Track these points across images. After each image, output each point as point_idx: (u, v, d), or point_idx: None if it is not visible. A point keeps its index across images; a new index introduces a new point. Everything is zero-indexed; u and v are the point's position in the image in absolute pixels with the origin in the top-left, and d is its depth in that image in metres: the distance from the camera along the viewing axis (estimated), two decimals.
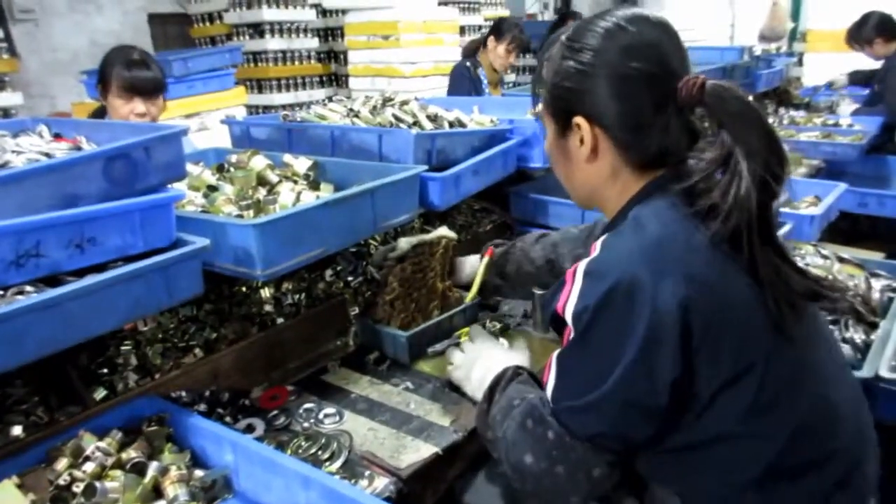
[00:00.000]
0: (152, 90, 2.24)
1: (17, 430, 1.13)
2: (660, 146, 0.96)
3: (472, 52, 4.03)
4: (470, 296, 1.67)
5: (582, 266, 0.90)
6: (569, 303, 0.90)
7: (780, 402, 0.88)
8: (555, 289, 0.96)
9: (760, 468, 0.88)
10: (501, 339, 1.48)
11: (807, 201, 2.45)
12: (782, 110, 3.97)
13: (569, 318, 0.90)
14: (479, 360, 1.27)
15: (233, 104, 4.04)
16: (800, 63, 6.01)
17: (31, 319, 0.96)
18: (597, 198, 1.06)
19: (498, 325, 1.58)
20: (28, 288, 1.02)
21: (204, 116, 3.77)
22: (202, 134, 3.55)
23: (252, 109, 4.87)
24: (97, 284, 1.02)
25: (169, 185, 1.24)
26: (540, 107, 1.08)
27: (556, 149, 1.07)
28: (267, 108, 5.00)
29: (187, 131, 1.26)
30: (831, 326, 1.30)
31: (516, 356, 1.26)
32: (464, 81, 3.77)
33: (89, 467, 1.02)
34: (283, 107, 4.87)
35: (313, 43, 5.24)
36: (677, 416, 0.88)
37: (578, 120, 0.98)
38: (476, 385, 1.24)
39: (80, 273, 1.07)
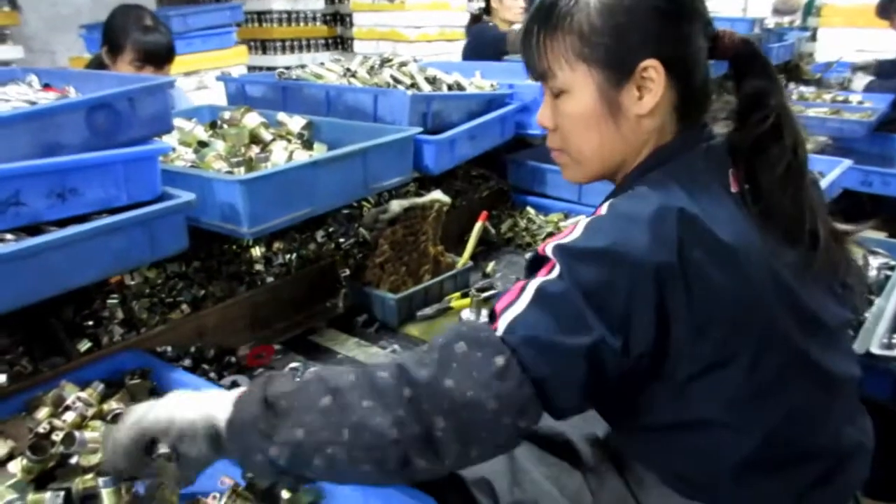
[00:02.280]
0: (165, 58, 2.19)
1: (0, 379, 1.13)
2: (707, 95, 0.93)
3: (477, 20, 3.91)
4: (462, 260, 1.66)
5: (584, 220, 0.84)
6: (557, 242, 0.80)
7: (766, 396, 0.85)
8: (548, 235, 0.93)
9: (737, 458, 0.85)
10: None
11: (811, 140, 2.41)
12: (792, 85, 3.90)
13: (550, 251, 0.80)
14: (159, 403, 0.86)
15: (233, 63, 3.98)
16: (813, 38, 5.89)
17: (10, 268, 0.95)
18: (623, 161, 0.94)
19: (482, 295, 1.54)
20: (8, 236, 1.00)
21: (203, 75, 3.72)
22: (201, 93, 3.51)
23: (255, 71, 4.81)
24: (77, 235, 1.01)
25: (155, 139, 1.22)
26: (546, 63, 0.93)
27: (601, 106, 0.90)
28: (271, 70, 4.92)
29: (173, 83, 1.24)
30: None
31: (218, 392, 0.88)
32: (485, 40, 3.46)
33: (69, 417, 1.01)
34: (287, 69, 4.80)
35: (319, 4, 5.16)
36: (649, 399, 0.86)
37: (650, 63, 0.86)
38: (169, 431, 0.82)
39: (63, 224, 1.06)
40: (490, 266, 1.77)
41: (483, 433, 0.76)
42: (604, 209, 0.86)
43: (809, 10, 6.29)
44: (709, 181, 0.88)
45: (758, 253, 0.84)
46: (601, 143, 0.93)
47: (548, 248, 0.82)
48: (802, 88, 3.84)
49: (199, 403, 0.83)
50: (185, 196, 1.15)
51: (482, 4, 4.15)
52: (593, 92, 0.91)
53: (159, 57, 2.14)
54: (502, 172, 2.20)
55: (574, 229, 0.84)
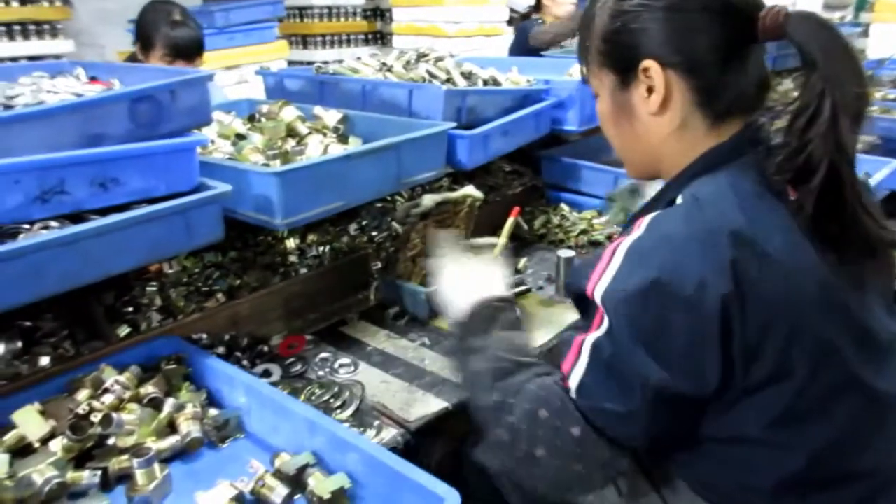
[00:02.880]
0: (196, 52, 2.22)
1: (44, 361, 1.17)
2: (737, 89, 0.86)
3: (526, 17, 3.89)
4: (493, 255, 1.65)
5: (624, 245, 0.81)
6: (600, 283, 0.81)
7: (813, 416, 0.80)
8: (586, 263, 0.87)
9: (778, 478, 0.82)
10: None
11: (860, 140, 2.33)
12: None
13: (599, 298, 0.81)
14: (447, 272, 1.08)
15: (273, 58, 4.04)
16: (865, 34, 5.70)
17: (54, 254, 0.99)
18: (659, 161, 0.93)
19: (513, 291, 1.50)
20: (52, 223, 1.04)
21: (244, 69, 3.78)
22: (241, 87, 3.57)
23: (296, 65, 4.87)
24: (117, 223, 1.04)
25: (194, 131, 1.25)
26: (585, 68, 0.97)
27: (615, 107, 0.94)
28: (311, 65, 4.99)
29: (213, 76, 1.27)
30: None
31: (490, 272, 1.07)
32: (528, 36, 3.49)
33: (108, 399, 1.05)
34: (325, 63, 4.86)
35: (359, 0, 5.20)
36: (700, 415, 0.83)
37: (647, 63, 0.87)
38: (444, 302, 1.05)
39: (104, 213, 1.10)
40: (522, 262, 1.77)
41: (584, 484, 0.88)
42: (644, 224, 0.82)
43: (862, 5, 6.09)
44: (762, 189, 0.83)
45: (811, 267, 0.80)
46: (625, 142, 0.96)
47: (596, 293, 0.82)
48: None
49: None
50: (222, 187, 1.18)
51: (532, 2, 4.13)
52: (610, 92, 0.94)
53: (189, 51, 2.18)
54: (536, 168, 2.19)
55: (614, 256, 0.81)
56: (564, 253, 1.64)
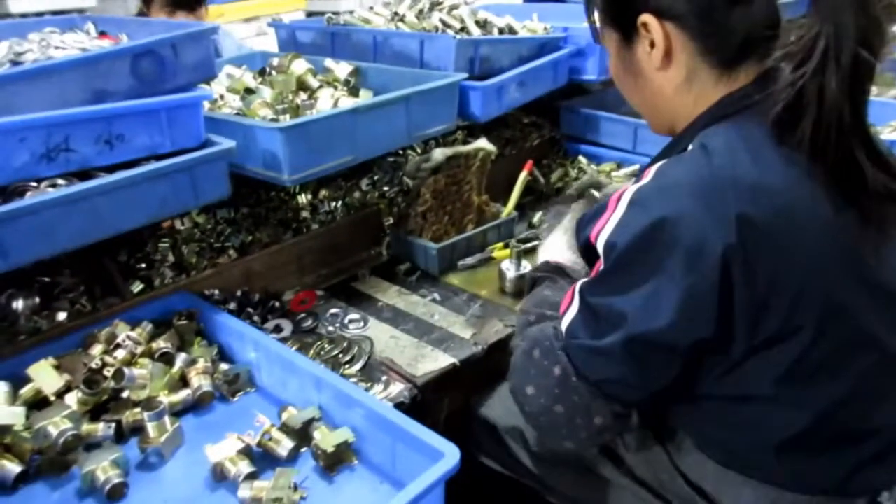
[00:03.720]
0: (196, 1, 2.20)
1: (61, 316, 1.20)
2: (744, 34, 0.82)
3: None
4: (506, 210, 1.64)
5: (629, 193, 0.80)
6: (604, 230, 0.80)
7: (823, 374, 0.79)
8: (593, 212, 0.86)
9: (784, 435, 0.81)
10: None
11: (892, 126, 2.23)
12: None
13: (600, 246, 0.80)
14: (543, 237, 1.24)
15: (291, 9, 3.98)
16: None
17: (61, 212, 1.00)
18: (674, 115, 0.91)
19: (523, 247, 1.48)
20: (60, 181, 1.05)
21: (263, 21, 3.73)
22: (260, 39, 3.53)
23: (317, 16, 4.79)
24: (123, 181, 1.04)
25: (200, 86, 1.24)
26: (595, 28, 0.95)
27: (623, 66, 0.92)
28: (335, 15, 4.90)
29: (217, 29, 1.25)
30: None
31: (568, 243, 1.14)
32: None
33: (120, 354, 1.07)
34: (336, 13, 4.76)
35: None
36: (699, 370, 0.82)
37: (645, 18, 0.84)
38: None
39: (111, 170, 1.10)
40: (537, 216, 1.74)
41: (564, 430, 0.87)
42: (651, 172, 0.80)
43: None
44: (775, 138, 0.78)
45: (824, 220, 0.76)
46: (639, 99, 0.94)
47: (599, 240, 0.81)
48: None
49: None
50: (227, 143, 1.17)
51: None
52: (616, 50, 0.92)
53: (188, 2, 2.15)
54: (555, 120, 2.13)
55: (619, 204, 0.80)
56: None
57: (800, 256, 0.75)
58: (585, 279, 0.86)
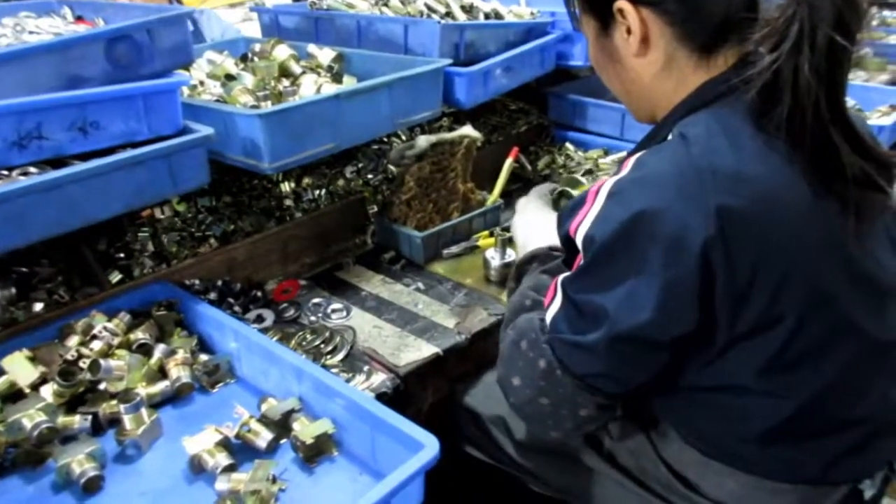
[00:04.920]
0: None
1: (38, 307, 1.18)
2: (721, 17, 0.80)
3: None
4: (492, 198, 1.62)
5: (608, 185, 0.78)
6: (582, 224, 0.79)
7: (805, 363, 0.78)
8: (572, 205, 0.85)
9: (767, 425, 0.81)
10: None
11: (881, 111, 2.23)
12: (874, 9, 3.57)
13: (579, 240, 0.79)
14: (523, 225, 1.21)
15: None
16: None
17: (32, 201, 0.98)
18: (652, 105, 0.89)
19: (507, 234, 1.45)
20: (32, 169, 1.03)
21: (248, 6, 3.67)
22: (247, 25, 3.48)
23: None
24: (97, 168, 1.02)
25: (177, 72, 1.22)
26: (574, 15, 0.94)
27: (601, 53, 0.90)
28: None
29: (192, 13, 1.22)
30: None
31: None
32: None
33: (97, 345, 1.06)
34: None
35: None
36: (682, 361, 0.81)
37: (621, 4, 0.82)
38: (520, 252, 1.17)
39: (88, 158, 1.08)
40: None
41: (549, 421, 0.88)
42: (630, 164, 0.79)
43: None
44: (755, 125, 0.77)
45: (806, 209, 0.75)
46: (619, 87, 0.93)
47: (578, 234, 0.80)
48: (886, 13, 3.52)
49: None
50: (205, 130, 1.15)
51: None
52: (594, 37, 0.90)
53: None
54: (543, 106, 2.11)
55: (598, 196, 0.79)
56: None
57: (781, 245, 0.74)
58: (567, 273, 0.84)
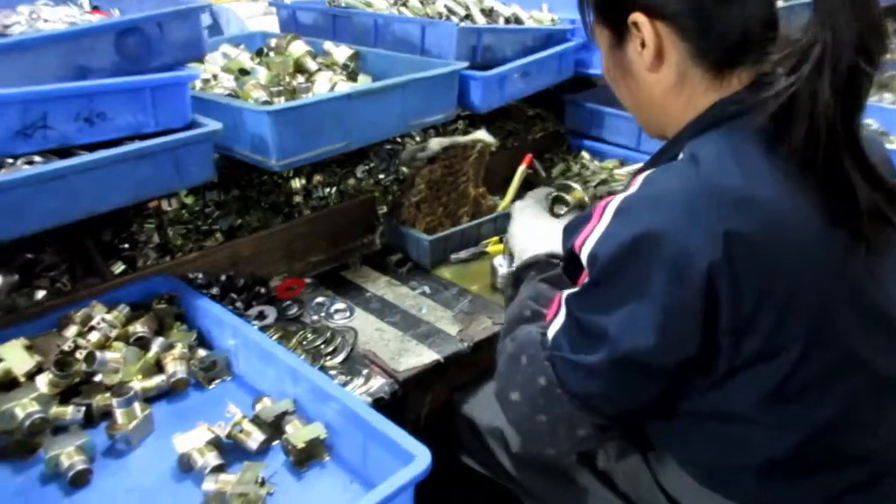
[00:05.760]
0: None
1: (40, 295, 1.18)
2: (738, 35, 0.77)
3: None
4: (503, 204, 1.60)
5: (615, 202, 0.76)
6: (588, 241, 0.77)
7: (809, 395, 0.75)
8: (579, 219, 0.83)
9: (766, 457, 0.77)
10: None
11: None
12: None
13: (584, 257, 0.77)
14: (520, 231, 1.17)
15: None
16: None
17: (36, 190, 0.97)
18: (662, 120, 0.87)
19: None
20: (37, 159, 1.03)
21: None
22: (268, 18, 3.48)
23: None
24: (101, 160, 1.02)
25: (188, 66, 1.21)
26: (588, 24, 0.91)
27: (614, 65, 0.89)
28: None
29: (206, 8, 1.21)
30: None
31: (559, 233, 1.10)
32: None
33: (94, 336, 1.05)
34: None
35: None
36: (682, 386, 0.78)
37: (635, 17, 0.80)
38: (517, 258, 1.13)
39: (93, 149, 1.07)
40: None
41: (546, 438, 0.85)
42: (638, 182, 0.77)
43: None
44: (768, 148, 0.74)
45: (817, 237, 0.73)
46: (631, 101, 0.91)
47: (583, 251, 0.78)
48: None
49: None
50: (213, 125, 1.14)
51: None
52: (607, 49, 0.88)
53: None
54: (560, 113, 2.09)
55: (604, 213, 0.76)
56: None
57: (788, 272, 0.71)
58: (572, 290, 0.82)
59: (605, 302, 0.76)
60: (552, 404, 0.82)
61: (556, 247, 1.06)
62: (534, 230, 1.14)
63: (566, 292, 0.82)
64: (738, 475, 0.80)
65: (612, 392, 0.79)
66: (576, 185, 1.26)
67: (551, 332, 0.83)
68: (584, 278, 0.79)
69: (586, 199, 1.27)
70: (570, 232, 0.84)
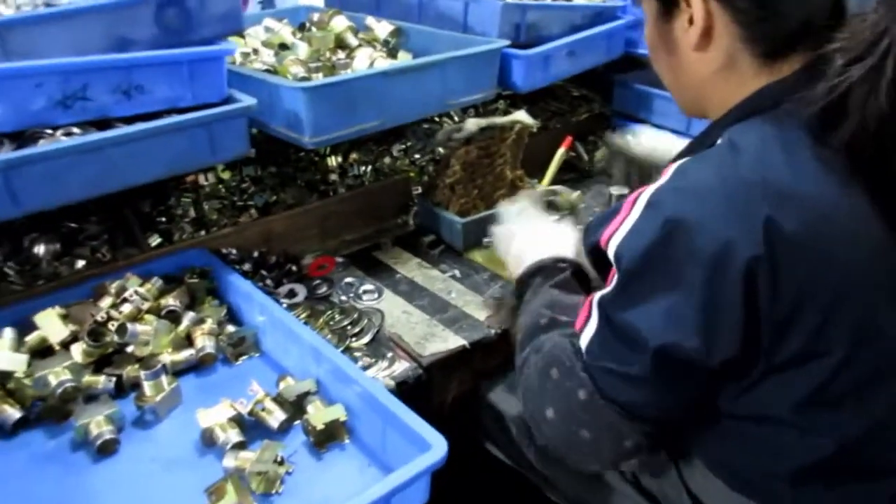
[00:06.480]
0: None
1: (80, 264, 1.21)
2: (796, 20, 0.72)
3: None
4: (541, 188, 1.56)
5: (645, 194, 0.71)
6: (615, 235, 0.73)
7: (849, 401, 0.71)
8: (604, 215, 0.78)
9: (801, 463, 0.74)
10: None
11: None
12: None
13: (612, 253, 0.73)
14: (519, 234, 1.10)
15: None
16: None
17: (73, 161, 0.99)
18: (705, 99, 0.83)
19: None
20: (75, 130, 1.04)
21: None
22: None
23: None
24: (136, 133, 1.02)
25: (226, 39, 1.21)
26: None
27: (658, 38, 0.84)
28: None
29: None
30: None
31: (562, 235, 1.06)
32: None
33: (126, 308, 1.07)
34: None
35: None
36: (717, 388, 0.75)
37: None
38: (513, 264, 1.07)
39: (131, 121, 1.08)
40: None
41: (590, 453, 0.81)
42: (671, 171, 0.72)
43: None
44: (815, 138, 0.69)
45: (864, 233, 0.68)
46: (670, 76, 0.85)
47: (610, 246, 0.74)
48: None
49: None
50: (247, 100, 1.14)
51: None
52: (652, 19, 0.82)
53: None
54: (607, 95, 2.02)
55: (634, 206, 0.72)
56: (617, 189, 1.53)
57: (832, 273, 0.66)
58: (602, 291, 0.77)
59: (639, 300, 0.71)
60: (595, 418, 0.77)
61: (562, 250, 1.02)
62: (537, 233, 1.08)
63: (597, 294, 0.78)
64: (769, 480, 0.77)
65: (658, 397, 0.75)
66: (565, 189, 1.22)
67: (584, 340, 0.78)
68: (613, 277, 0.75)
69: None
70: (594, 227, 0.80)
